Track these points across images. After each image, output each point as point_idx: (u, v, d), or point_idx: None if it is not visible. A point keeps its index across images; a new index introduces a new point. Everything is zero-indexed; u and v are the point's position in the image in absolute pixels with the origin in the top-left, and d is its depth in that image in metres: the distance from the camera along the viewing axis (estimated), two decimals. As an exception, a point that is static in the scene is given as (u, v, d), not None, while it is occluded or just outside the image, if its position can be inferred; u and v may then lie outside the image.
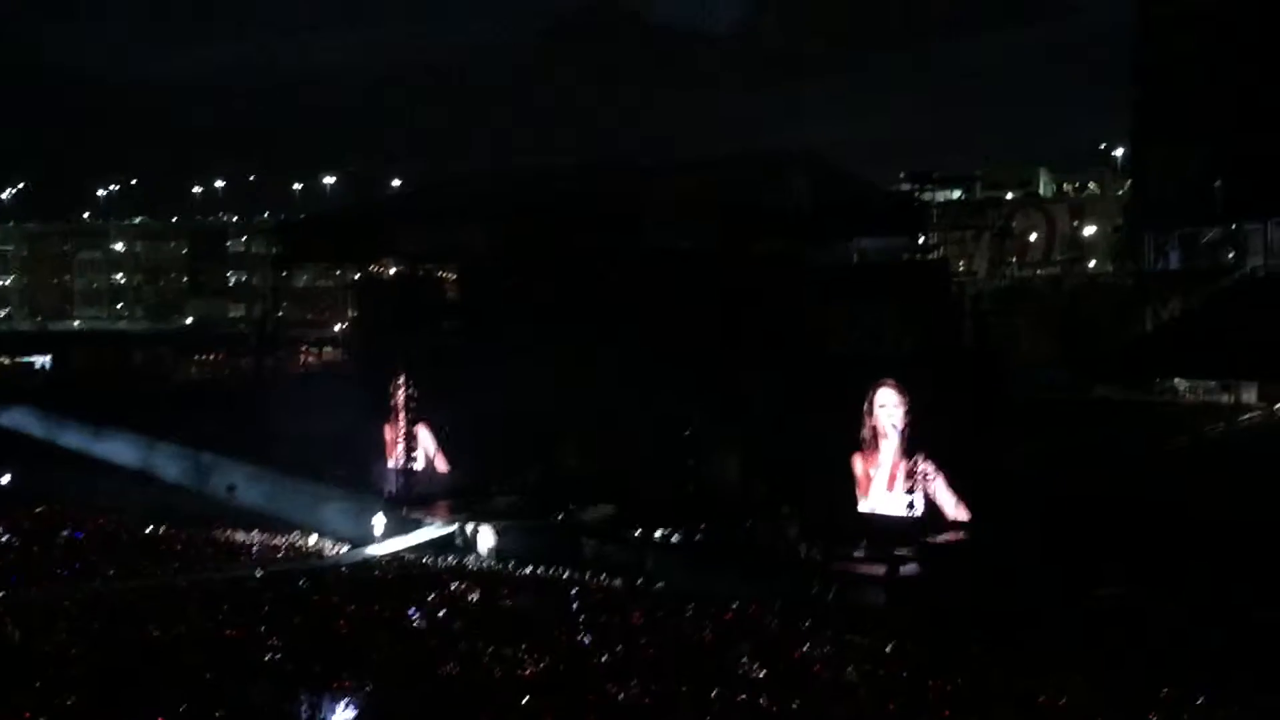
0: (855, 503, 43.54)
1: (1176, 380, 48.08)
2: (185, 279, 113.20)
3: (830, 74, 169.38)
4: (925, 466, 41.09)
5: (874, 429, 43.27)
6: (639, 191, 50.92)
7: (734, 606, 36.76)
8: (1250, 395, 45.66)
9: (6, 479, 60.35)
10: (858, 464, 43.72)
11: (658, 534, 44.84)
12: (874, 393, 43.18)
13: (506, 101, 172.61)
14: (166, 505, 54.40)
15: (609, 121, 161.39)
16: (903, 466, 41.76)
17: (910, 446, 41.38)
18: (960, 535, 40.20)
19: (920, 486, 41.05)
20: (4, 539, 48.55)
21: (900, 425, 42.23)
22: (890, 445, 42.79)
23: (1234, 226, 52.04)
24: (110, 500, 55.04)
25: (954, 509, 40.96)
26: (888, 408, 42.95)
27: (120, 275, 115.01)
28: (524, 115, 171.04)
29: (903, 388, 41.89)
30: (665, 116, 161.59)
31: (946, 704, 27.36)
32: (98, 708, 26.31)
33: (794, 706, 27.20)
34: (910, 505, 41.05)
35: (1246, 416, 44.09)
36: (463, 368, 54.86)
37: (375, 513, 50.45)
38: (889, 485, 42.79)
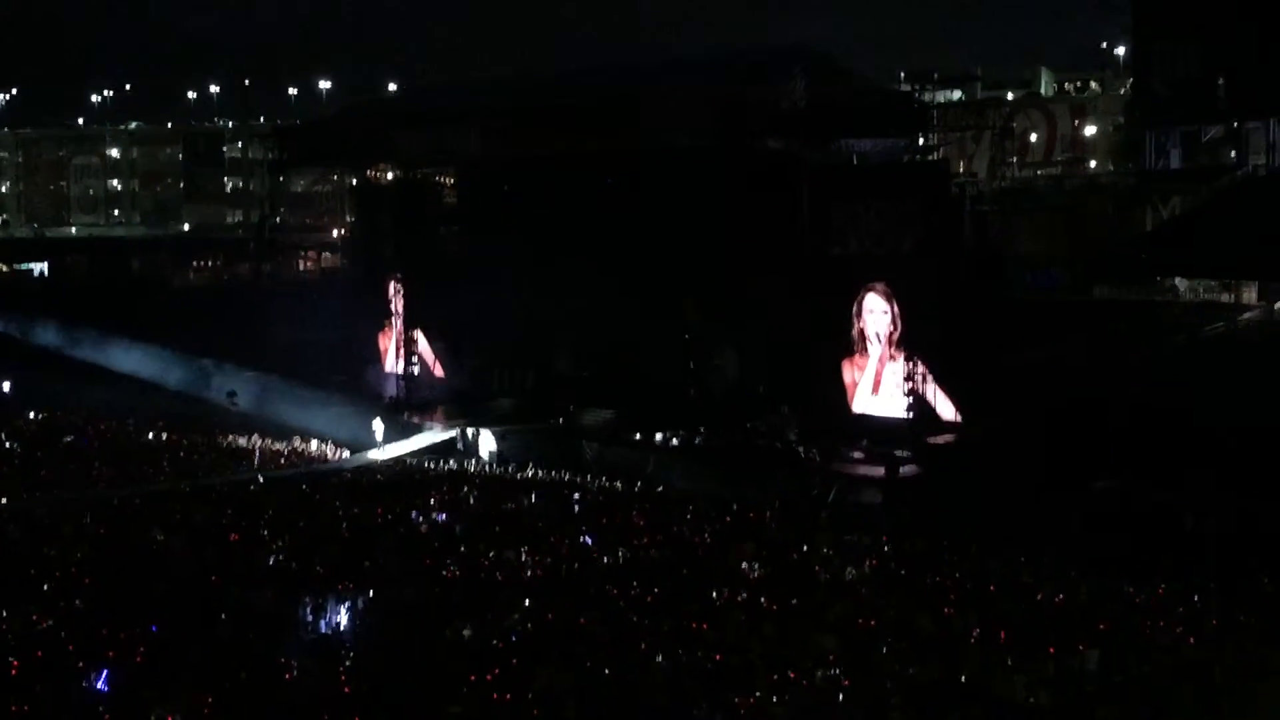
0: (853, 404, 43.71)
1: (1176, 280, 47.95)
2: (181, 185, 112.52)
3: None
4: (923, 368, 41.14)
5: (861, 332, 43.43)
6: (636, 92, 50.51)
7: (734, 508, 37.01)
8: (1250, 294, 45.59)
9: (7, 386, 60.47)
10: (846, 368, 43.91)
11: (658, 437, 44.97)
12: (863, 296, 43.23)
13: (499, 2, 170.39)
14: (168, 411, 54.59)
15: (604, 21, 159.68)
16: (899, 368, 41.81)
17: (907, 347, 41.40)
18: (958, 436, 40.31)
19: (918, 387, 41.12)
20: (7, 445, 48.76)
21: (889, 329, 42.35)
22: (877, 349, 42.97)
23: (1235, 125, 51.61)
24: (112, 406, 55.20)
25: (952, 410, 41.03)
26: (875, 313, 43.03)
27: (116, 181, 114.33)
28: (517, 17, 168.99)
29: (894, 291, 41.82)
30: (660, 14, 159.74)
31: (946, 600, 27.60)
32: (102, 611, 26.51)
33: (793, 604, 27.45)
34: (909, 406, 41.15)
35: (1246, 315, 44.04)
36: (461, 273, 54.88)
37: (376, 418, 50.66)
38: (874, 389, 42.99)
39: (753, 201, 45.97)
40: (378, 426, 49.60)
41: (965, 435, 40.34)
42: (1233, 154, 52.27)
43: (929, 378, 41.16)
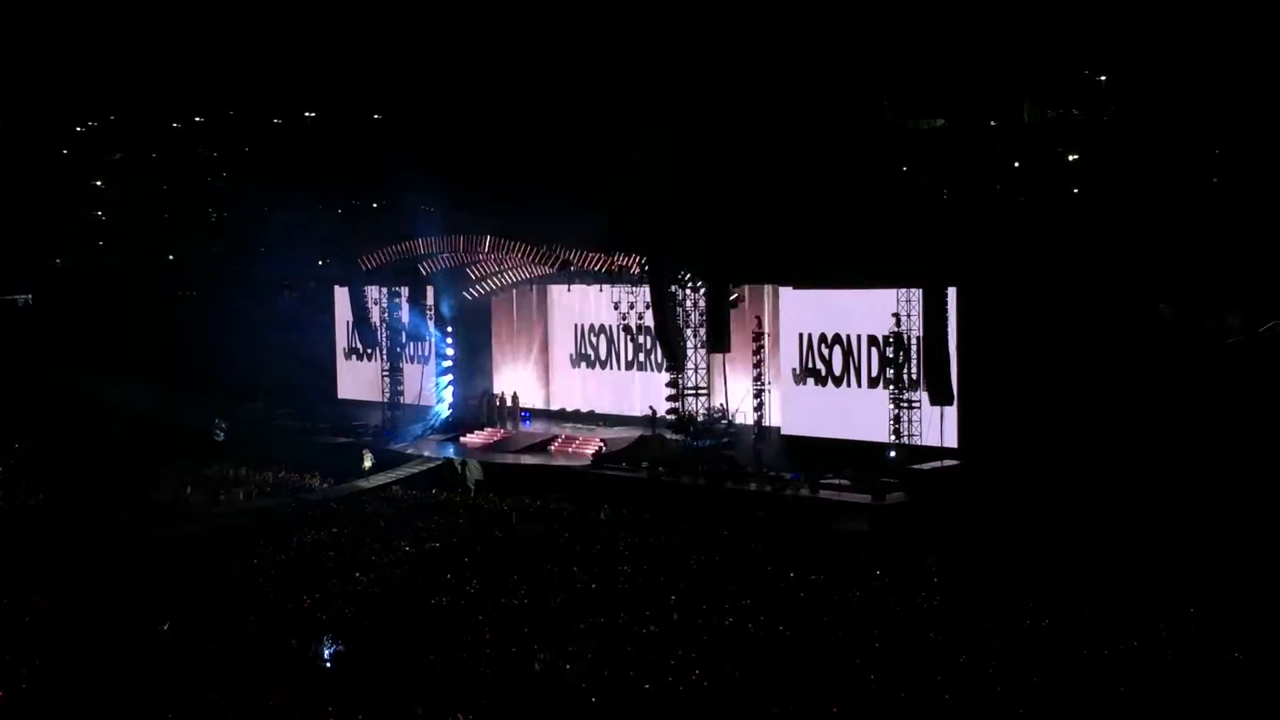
0: (839, 430, 43.71)
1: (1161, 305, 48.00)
2: (167, 216, 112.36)
3: None
4: (911, 394, 41.15)
5: (854, 357, 43.61)
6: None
7: (724, 534, 37.04)
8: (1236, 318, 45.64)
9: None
10: (820, 394, 44.13)
11: (644, 463, 44.93)
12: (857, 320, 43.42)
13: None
14: (155, 441, 54.40)
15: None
16: (886, 393, 41.81)
17: (896, 373, 41.42)
18: (946, 463, 40.30)
19: (905, 413, 41.09)
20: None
21: (882, 353, 42.41)
22: (872, 372, 43.15)
23: (1217, 151, 51.88)
24: (99, 437, 55.03)
25: (937, 435, 40.94)
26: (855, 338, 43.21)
27: (101, 213, 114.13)
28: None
29: (892, 316, 41.78)
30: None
31: (934, 627, 27.61)
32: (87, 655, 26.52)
33: (781, 630, 27.48)
34: (896, 433, 41.14)
35: (1230, 340, 44.12)
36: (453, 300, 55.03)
37: (364, 447, 50.65)
38: (858, 415, 43.05)
39: (735, 232, 46.02)
40: (367, 455, 49.56)
41: (951, 462, 40.30)
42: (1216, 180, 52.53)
43: (914, 403, 41.11)
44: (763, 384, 45.96)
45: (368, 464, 48.93)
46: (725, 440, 45.35)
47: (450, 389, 54.73)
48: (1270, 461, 35.31)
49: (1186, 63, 49.29)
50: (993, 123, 77.97)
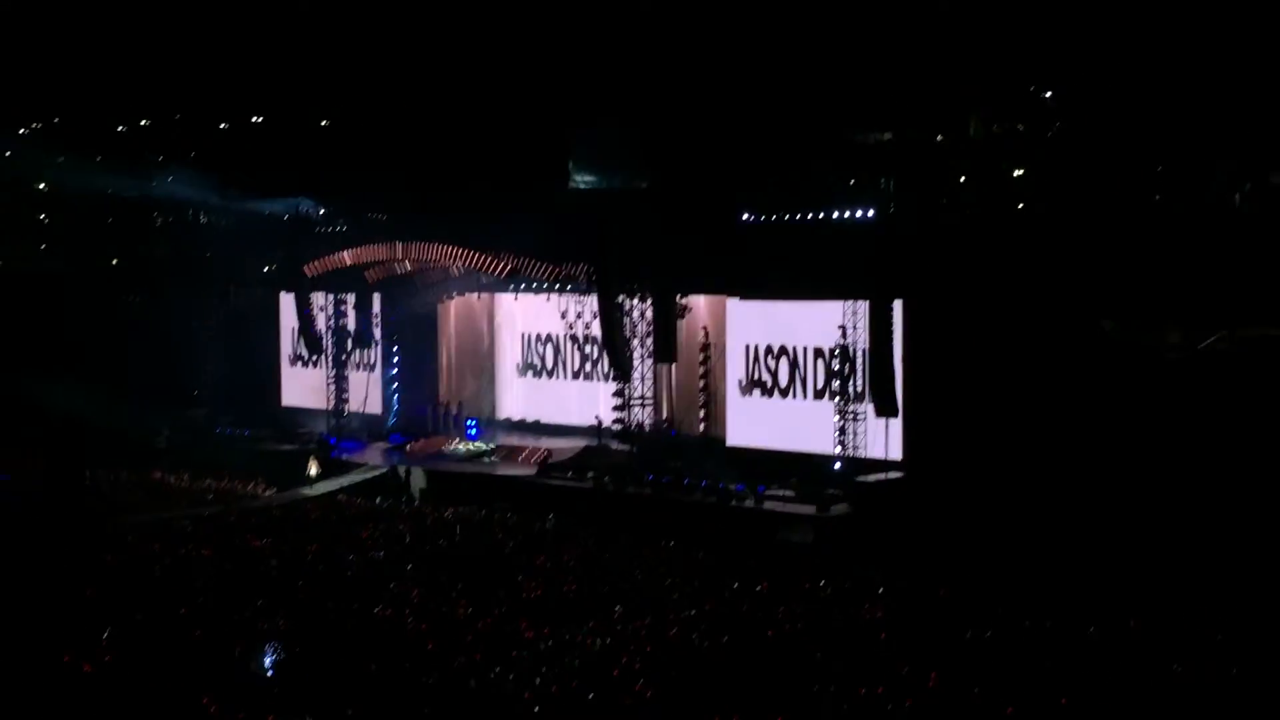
0: (785, 440, 43.81)
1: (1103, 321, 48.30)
2: (111, 219, 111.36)
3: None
4: (856, 406, 41.30)
5: (800, 367, 43.76)
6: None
7: (668, 544, 37.06)
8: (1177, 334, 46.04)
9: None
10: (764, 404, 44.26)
11: (590, 473, 44.90)
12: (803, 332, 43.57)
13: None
14: (97, 449, 53.85)
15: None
16: (832, 405, 41.94)
17: (842, 385, 41.57)
18: (891, 475, 40.45)
19: (850, 425, 41.25)
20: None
21: (828, 365, 42.56)
22: (818, 384, 43.29)
23: (1159, 168, 52.22)
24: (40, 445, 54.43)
25: (883, 448, 41.11)
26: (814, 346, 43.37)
27: (44, 215, 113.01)
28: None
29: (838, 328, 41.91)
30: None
31: (877, 638, 27.72)
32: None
33: (725, 641, 27.49)
34: (841, 444, 41.28)
35: (1171, 355, 44.46)
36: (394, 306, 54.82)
37: (308, 454, 50.35)
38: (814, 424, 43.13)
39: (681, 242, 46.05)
40: (311, 463, 49.29)
41: (896, 475, 40.43)
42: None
43: (860, 415, 41.26)
44: (708, 395, 46.10)
45: (312, 472, 48.66)
46: (671, 451, 45.41)
47: (396, 397, 54.60)
48: (1209, 475, 35.59)
49: (1132, 79, 49.64)
50: (939, 137, 78.45)
